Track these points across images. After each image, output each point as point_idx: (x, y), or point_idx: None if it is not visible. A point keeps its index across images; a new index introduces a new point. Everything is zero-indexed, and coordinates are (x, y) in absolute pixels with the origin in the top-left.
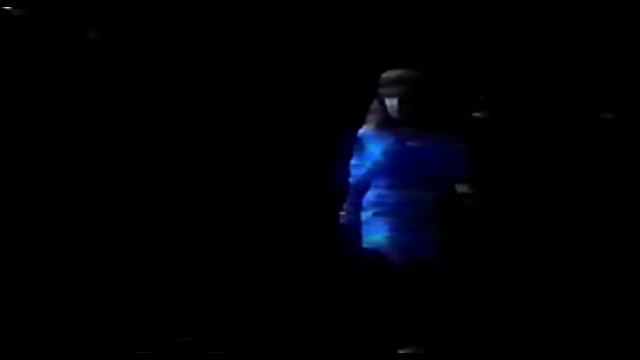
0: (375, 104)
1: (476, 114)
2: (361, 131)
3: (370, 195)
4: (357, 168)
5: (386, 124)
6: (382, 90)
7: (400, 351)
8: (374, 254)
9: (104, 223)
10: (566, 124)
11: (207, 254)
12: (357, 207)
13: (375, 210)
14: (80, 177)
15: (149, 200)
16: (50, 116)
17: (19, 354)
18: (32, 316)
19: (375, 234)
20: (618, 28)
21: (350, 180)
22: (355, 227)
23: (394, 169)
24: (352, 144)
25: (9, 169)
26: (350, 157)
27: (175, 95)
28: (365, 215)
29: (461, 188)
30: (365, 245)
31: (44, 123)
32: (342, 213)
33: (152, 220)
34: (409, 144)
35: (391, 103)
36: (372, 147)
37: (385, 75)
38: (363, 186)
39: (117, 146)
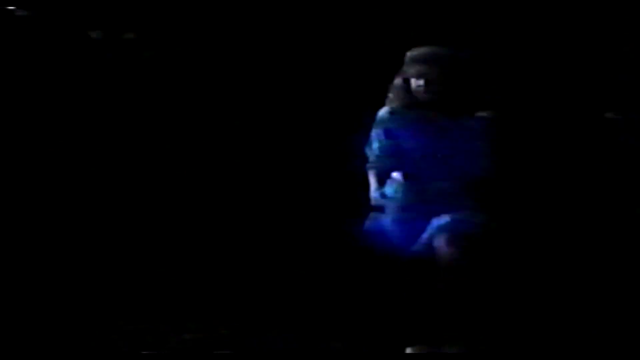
0: (398, 83)
1: (481, 113)
2: (381, 112)
3: (389, 186)
4: (376, 154)
5: (410, 106)
6: (407, 70)
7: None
8: (394, 250)
9: (105, 221)
10: (569, 123)
11: (219, 249)
12: (379, 203)
13: (394, 203)
14: (81, 176)
15: (152, 200)
16: (53, 115)
17: (19, 354)
18: (32, 316)
19: (395, 228)
20: (623, 27)
21: (369, 169)
22: (382, 230)
23: (417, 156)
24: (370, 126)
25: (11, 168)
26: (367, 140)
27: (178, 95)
28: (384, 209)
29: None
30: (385, 241)
31: (46, 122)
32: (371, 214)
33: (163, 219)
34: (435, 129)
35: (417, 84)
36: (393, 130)
37: (412, 53)
38: (383, 175)
39: (120, 145)
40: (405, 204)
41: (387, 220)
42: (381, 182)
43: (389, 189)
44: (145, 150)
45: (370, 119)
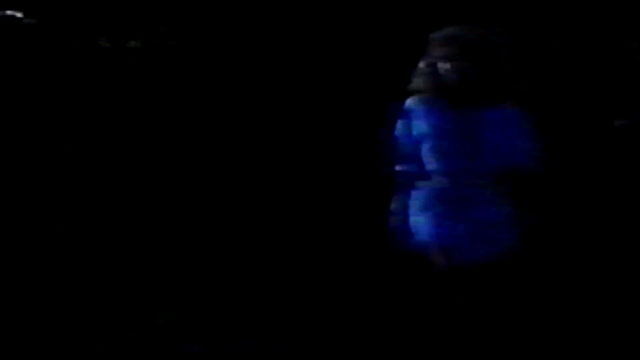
0: (425, 68)
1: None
2: (408, 102)
3: (419, 184)
4: (403, 148)
5: (438, 92)
6: (433, 52)
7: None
8: (422, 257)
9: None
10: (579, 130)
11: (228, 253)
12: (407, 202)
13: (424, 203)
14: (88, 181)
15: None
16: (61, 122)
17: (18, 354)
18: (32, 316)
19: (424, 232)
20: (633, 34)
21: (396, 166)
22: (405, 230)
23: (447, 150)
24: (397, 118)
25: (18, 176)
26: (393, 134)
27: (185, 102)
28: (412, 209)
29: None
30: (412, 246)
31: (54, 129)
32: (391, 212)
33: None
34: (467, 118)
35: (444, 67)
36: (421, 121)
37: (437, 34)
38: (411, 172)
39: (127, 151)
40: (434, 202)
41: (415, 220)
42: (409, 184)
43: (416, 190)
44: (155, 155)
45: (396, 110)
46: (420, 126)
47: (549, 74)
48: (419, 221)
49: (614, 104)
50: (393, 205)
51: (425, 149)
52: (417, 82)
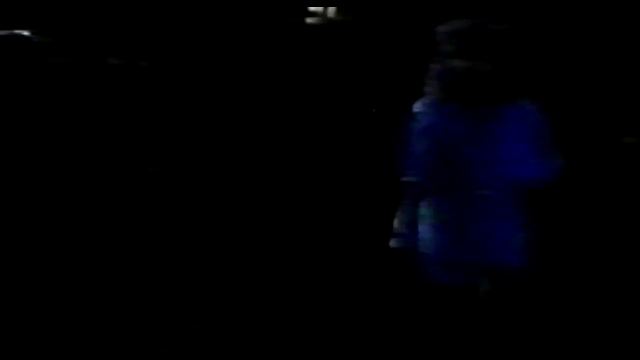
0: (432, 68)
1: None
2: (417, 105)
3: (427, 194)
4: (412, 157)
5: (449, 93)
6: (440, 49)
7: None
8: (431, 275)
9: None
10: (588, 147)
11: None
12: (414, 218)
13: (432, 218)
14: (95, 196)
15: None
16: (71, 138)
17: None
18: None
19: (430, 245)
20: None
21: (404, 177)
22: (412, 242)
23: (458, 159)
24: (406, 123)
25: (28, 192)
26: (403, 141)
27: (190, 118)
28: (420, 220)
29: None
30: (419, 258)
31: (65, 144)
32: (395, 230)
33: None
34: (479, 120)
35: (452, 65)
36: (430, 127)
37: (443, 28)
38: (420, 181)
39: (136, 167)
40: (443, 217)
41: (423, 232)
42: (418, 198)
43: (424, 204)
44: (162, 171)
45: (404, 115)
46: (429, 132)
47: (559, 74)
48: (426, 233)
49: (622, 121)
50: (401, 215)
51: (435, 157)
52: (427, 83)
